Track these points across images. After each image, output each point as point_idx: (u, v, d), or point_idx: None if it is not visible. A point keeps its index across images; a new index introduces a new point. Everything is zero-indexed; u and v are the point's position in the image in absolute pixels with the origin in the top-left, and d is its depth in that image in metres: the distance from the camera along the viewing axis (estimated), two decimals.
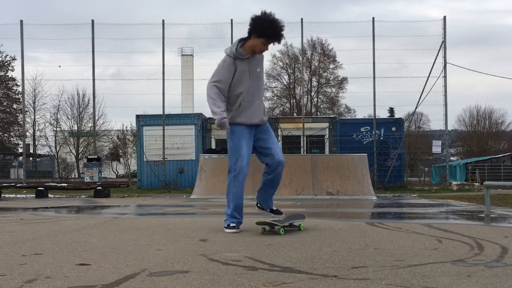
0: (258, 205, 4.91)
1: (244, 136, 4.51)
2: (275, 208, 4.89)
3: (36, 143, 37.84)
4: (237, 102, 4.49)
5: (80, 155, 35.73)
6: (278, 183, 4.78)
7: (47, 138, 36.16)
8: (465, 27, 76.53)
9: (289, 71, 46.63)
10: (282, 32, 4.39)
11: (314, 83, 46.53)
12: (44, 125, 37.39)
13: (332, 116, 30.05)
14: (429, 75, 18.42)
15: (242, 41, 4.46)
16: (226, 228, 4.53)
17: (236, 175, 4.50)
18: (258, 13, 4.40)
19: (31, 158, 35.79)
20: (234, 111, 4.50)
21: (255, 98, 4.55)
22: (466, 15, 79.70)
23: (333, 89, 46.74)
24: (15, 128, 39.93)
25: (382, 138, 19.08)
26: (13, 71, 38.31)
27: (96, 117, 25.86)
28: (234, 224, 4.52)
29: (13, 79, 38.63)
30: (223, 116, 4.38)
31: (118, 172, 40.35)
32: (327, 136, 20.54)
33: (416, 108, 19.20)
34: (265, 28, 4.33)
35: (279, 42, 4.47)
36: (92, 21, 19.19)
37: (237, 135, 4.51)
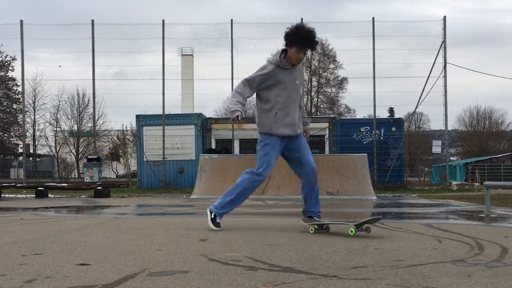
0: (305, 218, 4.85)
1: (275, 148, 4.59)
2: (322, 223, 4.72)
3: (36, 143, 37.86)
4: (272, 111, 4.54)
5: (80, 155, 35.74)
6: (317, 189, 4.99)
7: (47, 138, 36.20)
8: (469, 26, 76.56)
9: None
10: (312, 37, 4.44)
11: (314, 83, 46.52)
12: (44, 125, 37.43)
13: (332, 116, 30.04)
14: (429, 75, 18.42)
15: (284, 52, 4.53)
16: (212, 221, 4.54)
17: (258, 180, 4.58)
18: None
19: (31, 158, 35.81)
20: (271, 122, 4.56)
21: (292, 110, 4.60)
22: (470, 14, 79.71)
23: (333, 89, 46.77)
24: (15, 128, 39.94)
25: (382, 138, 19.07)
26: (13, 71, 38.35)
27: (96, 117, 25.86)
28: (219, 221, 4.57)
29: (13, 79, 38.64)
30: (236, 108, 4.42)
31: (118, 172, 40.38)
32: (327, 136, 20.54)
33: (416, 108, 19.20)
34: (294, 35, 4.41)
35: (311, 47, 4.53)
36: (92, 21, 19.20)
37: (271, 145, 4.57)
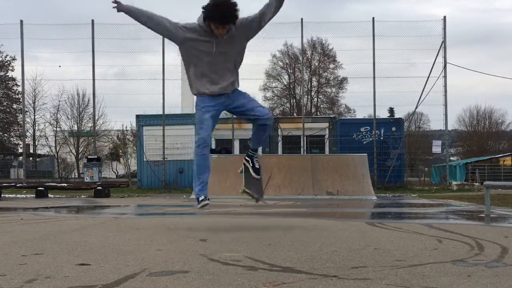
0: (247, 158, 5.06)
1: (207, 109, 4.54)
2: (257, 166, 4.99)
3: (36, 143, 37.81)
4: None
5: (80, 155, 35.70)
6: (264, 135, 4.97)
7: (47, 138, 36.14)
8: (469, 26, 76.35)
9: (289, 71, 46.62)
10: (224, 13, 4.20)
11: (314, 83, 46.51)
12: (44, 125, 37.35)
13: (332, 116, 30.04)
14: (429, 75, 18.42)
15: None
16: (198, 203, 4.57)
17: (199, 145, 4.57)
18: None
19: (31, 158, 35.77)
20: (194, 82, 4.52)
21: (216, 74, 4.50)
22: (471, 14, 79.54)
23: (333, 89, 46.75)
24: (15, 128, 39.88)
25: (382, 138, 19.07)
26: (13, 71, 38.25)
27: (96, 117, 25.80)
28: (203, 197, 4.56)
29: (13, 79, 38.56)
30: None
31: (118, 172, 40.34)
32: (327, 136, 20.54)
33: (416, 108, 19.20)
34: (206, 12, 4.26)
35: (226, 23, 4.26)
36: (92, 21, 19.18)
37: (202, 109, 4.57)
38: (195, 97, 4.66)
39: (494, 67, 76.59)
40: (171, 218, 6.40)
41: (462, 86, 68.35)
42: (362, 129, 19.43)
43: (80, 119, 37.09)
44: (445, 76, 18.56)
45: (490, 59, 74.09)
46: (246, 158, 5.03)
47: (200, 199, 4.55)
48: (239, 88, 4.71)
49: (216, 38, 4.39)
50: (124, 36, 21.50)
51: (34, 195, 13.52)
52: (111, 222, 5.72)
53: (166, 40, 20.20)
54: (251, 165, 4.96)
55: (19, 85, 36.23)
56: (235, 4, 4.25)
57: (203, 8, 4.30)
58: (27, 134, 33.91)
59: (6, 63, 38.70)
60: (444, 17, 18.91)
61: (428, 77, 18.36)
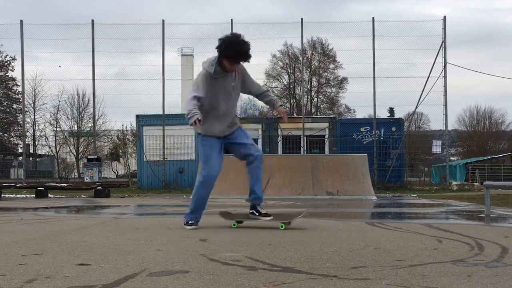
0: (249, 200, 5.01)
1: (214, 146, 4.82)
2: (263, 211, 4.90)
3: (36, 143, 37.82)
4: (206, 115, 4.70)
5: (80, 155, 35.70)
6: (256, 178, 4.89)
7: (47, 138, 36.14)
8: (469, 26, 76.32)
9: (289, 71, 46.61)
10: (242, 53, 4.57)
11: (314, 83, 46.50)
12: (44, 125, 37.36)
13: (332, 116, 30.03)
14: (429, 75, 18.43)
15: (219, 60, 4.67)
16: (185, 225, 4.78)
17: (200, 181, 4.90)
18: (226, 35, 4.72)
19: (31, 158, 35.78)
20: (205, 124, 4.72)
21: (227, 113, 4.81)
22: (471, 14, 79.48)
23: (333, 89, 46.75)
24: (15, 128, 39.87)
25: (382, 138, 19.07)
26: (13, 71, 38.23)
27: (96, 117, 25.81)
28: (192, 221, 4.79)
29: (13, 79, 38.55)
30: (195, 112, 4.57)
31: (118, 172, 40.35)
32: (327, 136, 20.53)
33: (416, 108, 19.21)
34: (225, 50, 4.57)
35: (242, 61, 4.66)
36: (92, 21, 19.18)
37: (208, 145, 4.82)
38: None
39: (494, 67, 76.59)
40: (171, 218, 6.39)
41: (462, 86, 68.36)
42: (362, 129, 19.43)
43: (80, 119, 37.11)
44: (445, 76, 18.57)
45: (490, 59, 74.08)
46: (250, 212, 4.92)
47: (190, 222, 4.78)
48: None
49: (229, 73, 4.72)
50: (124, 36, 21.43)
51: (34, 195, 13.52)
52: (111, 222, 5.72)
53: (166, 40, 19.79)
54: (257, 214, 4.87)
55: (19, 85, 36.26)
56: (247, 44, 4.62)
57: (219, 46, 4.61)
58: (27, 134, 33.94)
59: (6, 63, 38.69)
60: (444, 17, 18.93)
61: (428, 77, 18.37)
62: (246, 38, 4.65)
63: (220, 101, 4.72)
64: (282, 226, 4.62)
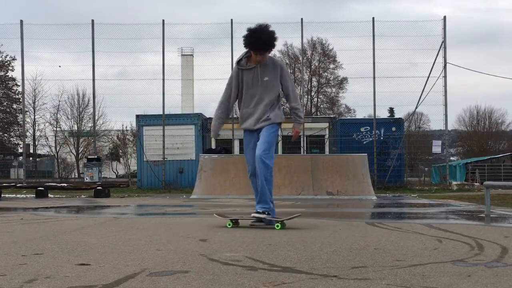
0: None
1: (246, 144, 5.03)
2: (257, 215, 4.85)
3: (36, 143, 37.85)
4: (240, 109, 4.99)
5: (80, 155, 35.72)
6: (261, 181, 4.79)
7: (47, 138, 36.19)
8: (471, 26, 76.37)
9: (289, 71, 46.60)
10: (264, 42, 4.65)
11: (314, 83, 46.51)
12: (44, 125, 37.41)
13: (332, 116, 30.03)
14: (429, 75, 18.43)
15: (248, 52, 4.83)
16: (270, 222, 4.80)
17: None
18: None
19: (31, 158, 35.79)
20: (240, 118, 4.99)
21: (256, 106, 4.88)
22: (473, 14, 79.49)
23: (333, 89, 46.75)
24: (15, 128, 39.88)
25: (382, 138, 19.07)
26: (13, 71, 38.26)
27: (96, 117, 25.84)
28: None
29: (13, 79, 38.57)
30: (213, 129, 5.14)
31: (118, 172, 40.35)
32: (327, 136, 20.54)
33: (416, 108, 19.22)
34: (248, 40, 4.70)
35: (265, 50, 4.73)
36: (92, 21, 19.19)
37: (245, 142, 5.08)
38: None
39: (494, 67, 76.60)
40: (171, 218, 6.40)
41: (462, 86, 68.39)
42: (362, 129, 19.43)
43: (80, 119, 37.14)
44: (445, 76, 18.57)
45: (490, 59, 74.10)
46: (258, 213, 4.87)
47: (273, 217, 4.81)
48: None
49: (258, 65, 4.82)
50: (124, 36, 21.47)
51: (34, 195, 13.52)
52: (111, 222, 5.72)
53: (166, 40, 19.73)
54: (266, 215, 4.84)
55: (19, 85, 36.26)
56: (273, 33, 4.70)
57: (243, 36, 4.73)
58: (27, 134, 33.97)
59: (6, 63, 38.69)
60: (444, 17, 18.94)
61: (428, 77, 18.38)
62: (272, 29, 4.72)
63: (248, 93, 4.84)
64: (278, 226, 4.65)
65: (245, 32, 4.71)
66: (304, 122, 19.18)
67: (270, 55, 4.91)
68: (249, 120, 4.91)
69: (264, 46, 4.68)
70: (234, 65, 4.94)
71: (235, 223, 4.93)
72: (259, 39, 4.63)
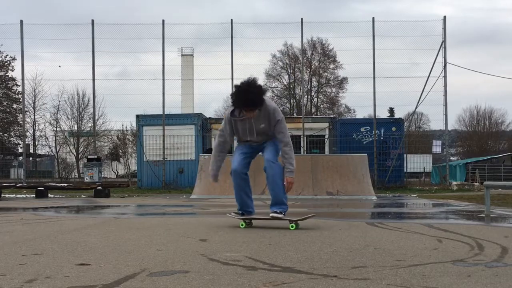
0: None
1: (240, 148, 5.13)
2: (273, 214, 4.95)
3: (36, 143, 37.83)
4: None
5: (80, 155, 35.71)
6: (271, 184, 4.96)
7: (47, 138, 36.16)
8: (471, 25, 76.32)
9: (289, 71, 46.61)
10: (250, 101, 4.63)
11: (314, 83, 46.50)
12: (44, 125, 37.38)
13: (332, 116, 30.03)
14: (429, 75, 18.43)
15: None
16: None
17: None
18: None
19: (31, 158, 35.76)
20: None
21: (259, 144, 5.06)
22: (473, 13, 79.46)
23: (333, 89, 46.75)
24: (15, 128, 39.86)
25: (382, 138, 19.07)
26: (13, 71, 38.23)
27: (96, 117, 25.84)
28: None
29: (13, 79, 38.55)
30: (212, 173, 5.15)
31: (118, 172, 40.33)
32: (327, 136, 20.54)
33: (416, 108, 19.21)
34: (235, 100, 4.71)
35: (253, 108, 4.71)
36: (92, 21, 19.19)
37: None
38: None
39: (494, 67, 76.60)
40: (171, 218, 6.39)
41: (462, 86, 68.38)
42: (362, 129, 19.42)
43: (80, 119, 37.13)
44: (445, 76, 18.57)
45: (491, 59, 74.10)
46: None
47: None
48: None
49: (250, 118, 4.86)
50: (124, 36, 21.48)
51: (34, 195, 13.51)
52: (111, 222, 5.72)
53: (166, 40, 19.73)
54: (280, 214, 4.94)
55: (19, 85, 36.23)
56: (259, 89, 4.69)
57: (231, 95, 4.85)
58: (27, 134, 33.95)
59: (6, 63, 38.68)
60: (444, 17, 18.92)
61: (428, 77, 18.37)
62: (259, 82, 4.74)
63: (247, 137, 4.95)
64: (292, 226, 4.70)
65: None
66: (304, 122, 19.27)
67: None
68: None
69: (254, 104, 4.66)
70: (227, 115, 4.91)
71: (248, 223, 4.98)
72: (247, 99, 4.62)
